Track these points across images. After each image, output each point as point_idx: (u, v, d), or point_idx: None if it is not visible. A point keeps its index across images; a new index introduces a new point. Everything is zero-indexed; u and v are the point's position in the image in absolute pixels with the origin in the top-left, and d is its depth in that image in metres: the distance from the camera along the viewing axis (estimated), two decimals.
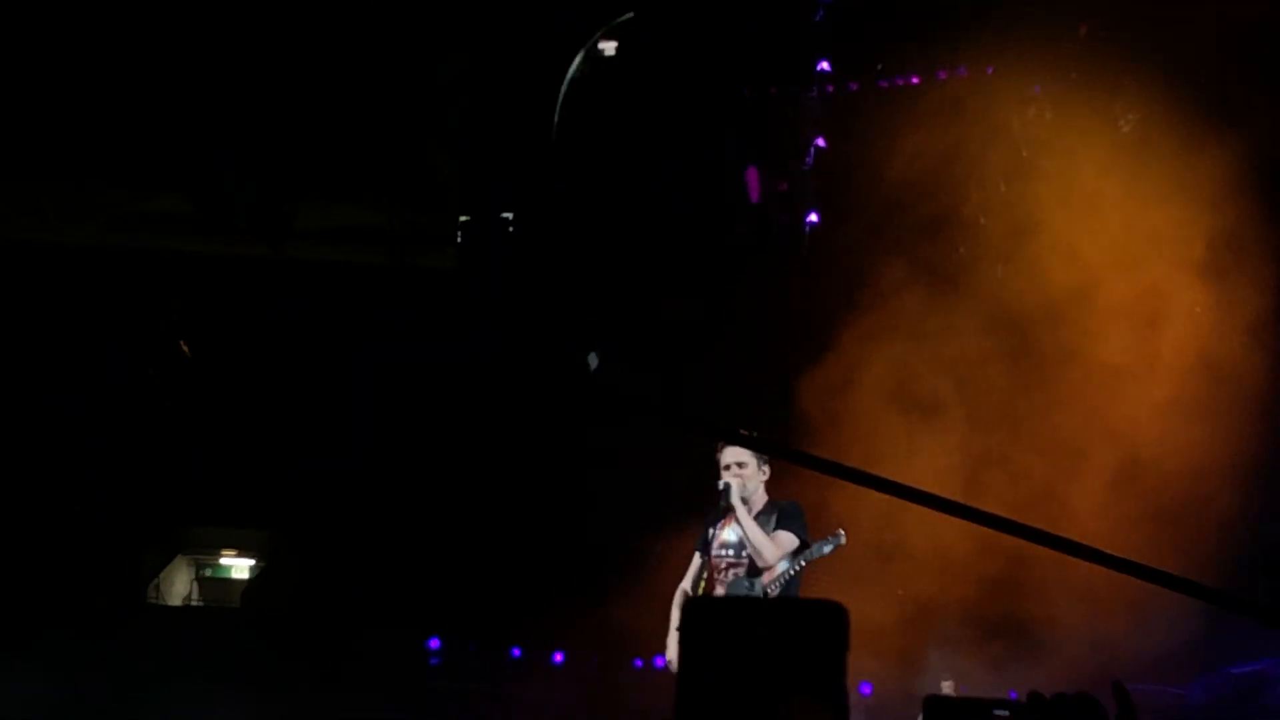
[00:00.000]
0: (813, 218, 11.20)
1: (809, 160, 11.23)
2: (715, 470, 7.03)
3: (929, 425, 10.09)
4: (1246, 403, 9.25)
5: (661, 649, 6.89)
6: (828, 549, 6.88)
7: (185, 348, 7.32)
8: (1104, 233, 9.67)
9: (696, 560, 7.14)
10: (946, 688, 10.92)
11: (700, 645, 1.64)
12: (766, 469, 7.02)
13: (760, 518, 6.93)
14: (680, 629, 1.34)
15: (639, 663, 11.13)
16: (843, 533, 6.93)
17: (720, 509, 7.01)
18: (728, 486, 6.90)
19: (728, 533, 6.99)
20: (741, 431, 6.91)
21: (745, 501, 6.92)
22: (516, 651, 11.66)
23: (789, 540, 6.88)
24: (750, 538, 6.83)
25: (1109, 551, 3.25)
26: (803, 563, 6.84)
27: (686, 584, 7.14)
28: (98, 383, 11.46)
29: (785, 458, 7.82)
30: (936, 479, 9.06)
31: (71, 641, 10.87)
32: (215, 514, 12.80)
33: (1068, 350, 9.83)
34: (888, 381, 10.16)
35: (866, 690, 10.57)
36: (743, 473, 6.94)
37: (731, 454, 6.96)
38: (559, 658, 11.61)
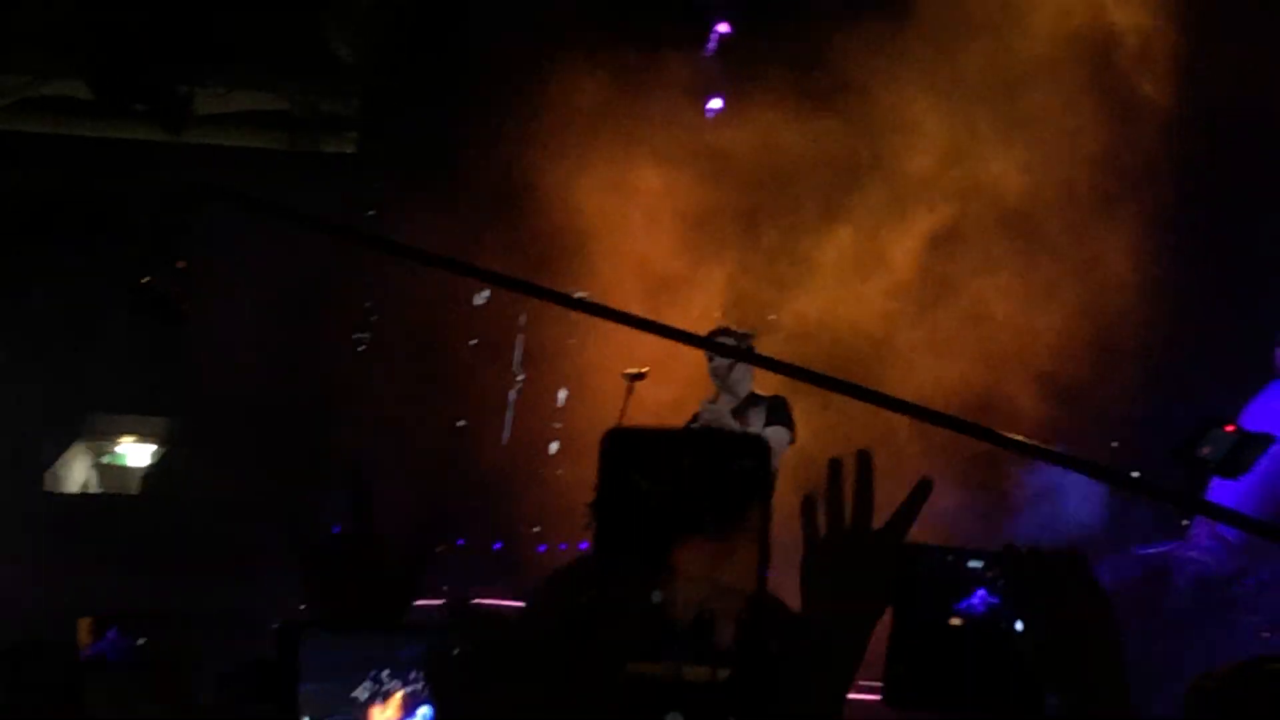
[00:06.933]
0: (716, 103, 11.16)
1: (710, 47, 11.19)
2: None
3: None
4: None
5: None
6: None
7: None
8: None
9: None
10: None
11: (621, 476, 1.64)
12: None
13: (744, 409, 7.61)
14: (600, 458, 1.45)
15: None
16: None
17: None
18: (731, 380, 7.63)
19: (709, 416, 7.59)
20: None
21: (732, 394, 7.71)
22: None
23: (779, 434, 7.46)
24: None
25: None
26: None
27: None
28: None
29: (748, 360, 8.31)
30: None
31: None
32: (114, 401, 12.68)
33: None
34: None
35: None
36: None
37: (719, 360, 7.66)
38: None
